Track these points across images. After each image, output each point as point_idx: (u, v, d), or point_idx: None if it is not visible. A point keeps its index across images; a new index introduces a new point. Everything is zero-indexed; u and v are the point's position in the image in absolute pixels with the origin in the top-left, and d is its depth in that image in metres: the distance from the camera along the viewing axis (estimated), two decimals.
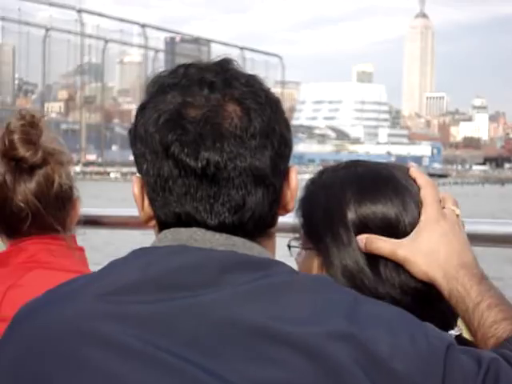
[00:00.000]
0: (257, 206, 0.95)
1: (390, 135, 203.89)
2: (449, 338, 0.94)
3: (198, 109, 0.95)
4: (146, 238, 1.09)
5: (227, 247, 0.94)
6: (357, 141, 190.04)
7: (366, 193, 1.12)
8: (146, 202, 1.00)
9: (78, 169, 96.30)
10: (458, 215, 1.14)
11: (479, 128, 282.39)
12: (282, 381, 0.84)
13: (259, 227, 0.97)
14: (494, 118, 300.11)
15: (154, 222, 1.01)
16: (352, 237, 1.11)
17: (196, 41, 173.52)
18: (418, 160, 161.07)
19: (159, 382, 0.84)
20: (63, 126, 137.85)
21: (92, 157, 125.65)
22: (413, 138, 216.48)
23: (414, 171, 1.15)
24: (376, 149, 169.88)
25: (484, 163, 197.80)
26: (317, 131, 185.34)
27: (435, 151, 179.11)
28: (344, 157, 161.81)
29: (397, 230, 1.11)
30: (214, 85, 0.97)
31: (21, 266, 1.58)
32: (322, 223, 1.11)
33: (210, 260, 0.91)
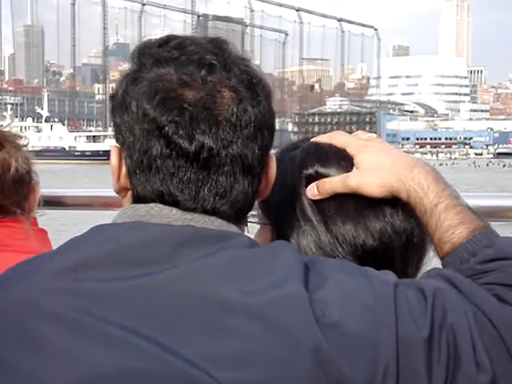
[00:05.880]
0: (242, 195, 0.96)
1: (471, 110, 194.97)
2: (392, 279, 0.94)
3: (195, 91, 0.93)
4: None
5: (184, 221, 0.94)
6: (446, 117, 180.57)
7: (317, 162, 1.13)
8: (123, 173, 0.99)
9: None
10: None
11: None
12: (239, 351, 0.84)
13: (238, 214, 0.98)
14: None
15: (126, 194, 1.01)
16: (308, 213, 1.11)
17: (229, 19, 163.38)
18: None
19: (110, 356, 0.84)
20: None
21: None
22: (493, 114, 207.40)
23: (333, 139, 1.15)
24: (470, 125, 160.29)
25: None
26: (406, 107, 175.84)
27: None
28: (442, 134, 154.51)
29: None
30: (213, 68, 0.95)
31: None
32: (280, 201, 1.12)
33: (165, 235, 0.91)
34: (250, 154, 0.95)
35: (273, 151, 1.03)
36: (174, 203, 0.95)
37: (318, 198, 1.10)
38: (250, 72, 0.98)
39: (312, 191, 1.10)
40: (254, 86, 0.97)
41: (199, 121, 0.92)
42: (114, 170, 1.00)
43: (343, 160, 1.12)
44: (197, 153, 0.92)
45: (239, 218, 0.99)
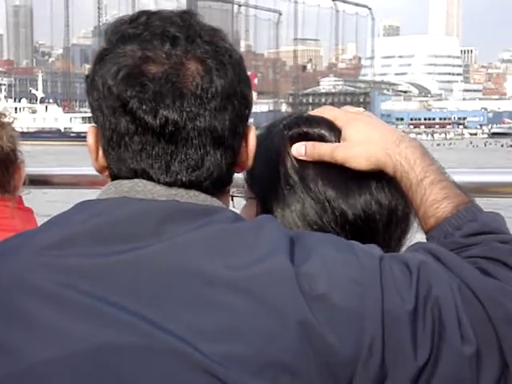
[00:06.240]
0: (215, 167, 0.95)
1: (464, 90, 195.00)
2: (377, 252, 0.94)
3: (159, 65, 0.92)
4: None
5: (169, 197, 0.93)
6: (439, 97, 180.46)
7: (304, 124, 1.13)
8: (101, 152, 0.99)
9: None
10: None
11: None
12: (225, 325, 0.83)
13: (216, 186, 0.97)
14: None
15: (107, 173, 1.00)
16: (293, 178, 1.10)
17: None
18: None
19: (96, 331, 0.84)
20: None
21: None
22: (486, 94, 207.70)
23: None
24: (464, 105, 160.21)
25: None
26: (400, 88, 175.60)
27: None
28: (436, 114, 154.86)
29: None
30: (177, 40, 0.94)
31: None
32: (264, 173, 1.12)
33: (150, 210, 0.91)
34: (219, 125, 0.94)
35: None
36: (149, 179, 0.94)
37: (303, 158, 1.10)
38: (216, 42, 0.96)
39: (299, 150, 1.10)
40: (219, 56, 0.95)
41: (163, 95, 0.91)
42: (91, 149, 1.00)
43: (331, 127, 1.13)
44: (162, 127, 0.91)
45: (220, 191, 0.98)
